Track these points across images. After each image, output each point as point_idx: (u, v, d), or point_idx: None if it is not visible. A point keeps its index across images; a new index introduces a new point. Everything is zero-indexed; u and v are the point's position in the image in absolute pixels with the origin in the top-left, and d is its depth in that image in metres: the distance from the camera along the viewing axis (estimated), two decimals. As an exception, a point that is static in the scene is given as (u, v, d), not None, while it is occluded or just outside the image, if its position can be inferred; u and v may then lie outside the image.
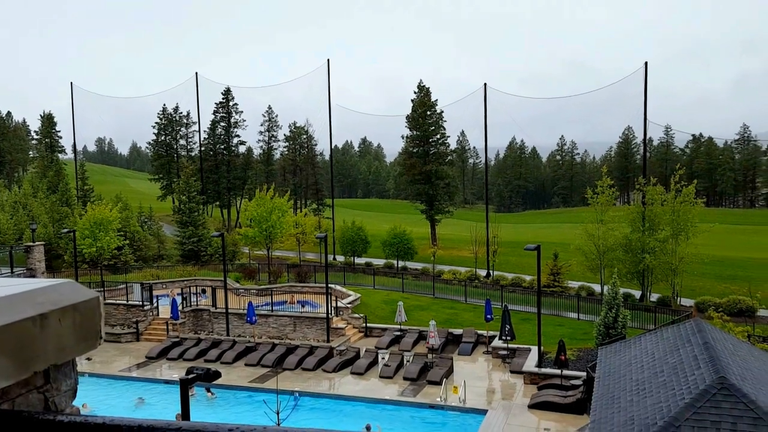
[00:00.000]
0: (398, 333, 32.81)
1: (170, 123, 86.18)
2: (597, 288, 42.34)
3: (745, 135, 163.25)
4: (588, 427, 14.09)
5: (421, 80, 71.51)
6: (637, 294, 42.07)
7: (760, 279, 47.47)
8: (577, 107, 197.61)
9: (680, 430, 11.19)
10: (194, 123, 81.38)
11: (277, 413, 18.47)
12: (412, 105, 70.54)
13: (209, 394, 25.35)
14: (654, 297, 41.79)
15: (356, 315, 35.59)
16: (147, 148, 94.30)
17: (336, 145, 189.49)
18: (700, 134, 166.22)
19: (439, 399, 23.39)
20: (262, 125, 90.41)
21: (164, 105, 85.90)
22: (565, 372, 24.64)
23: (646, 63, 43.95)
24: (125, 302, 36.63)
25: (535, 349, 27.65)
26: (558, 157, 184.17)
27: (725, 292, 40.33)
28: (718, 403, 11.60)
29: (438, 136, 71.24)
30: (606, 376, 16.33)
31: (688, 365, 13.67)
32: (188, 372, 12.33)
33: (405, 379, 26.32)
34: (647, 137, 50.69)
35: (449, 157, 75.29)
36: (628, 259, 40.51)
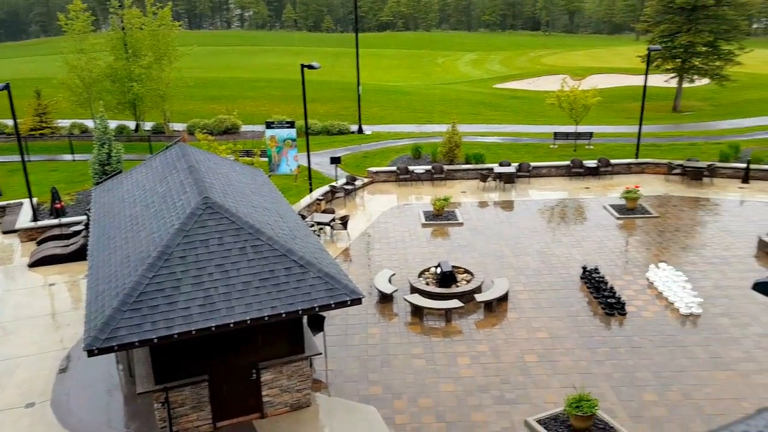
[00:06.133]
0: None
1: None
2: (90, 124, 40.07)
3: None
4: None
5: None
6: (132, 125, 41.60)
7: (239, 97, 52.61)
8: None
9: (173, 256, 11.77)
10: None
11: None
12: None
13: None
14: (148, 126, 42.08)
15: None
16: None
17: None
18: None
19: None
20: None
21: None
22: (64, 220, 23.24)
23: None
24: None
25: (27, 202, 25.00)
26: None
27: (212, 113, 43.38)
28: (205, 223, 12.50)
29: None
30: (101, 217, 15.86)
31: (176, 191, 14.17)
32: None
33: None
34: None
35: None
36: (116, 89, 39.06)
